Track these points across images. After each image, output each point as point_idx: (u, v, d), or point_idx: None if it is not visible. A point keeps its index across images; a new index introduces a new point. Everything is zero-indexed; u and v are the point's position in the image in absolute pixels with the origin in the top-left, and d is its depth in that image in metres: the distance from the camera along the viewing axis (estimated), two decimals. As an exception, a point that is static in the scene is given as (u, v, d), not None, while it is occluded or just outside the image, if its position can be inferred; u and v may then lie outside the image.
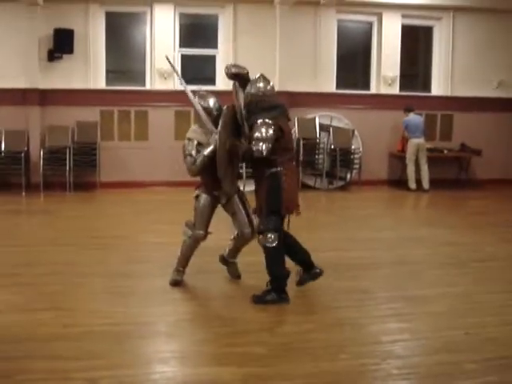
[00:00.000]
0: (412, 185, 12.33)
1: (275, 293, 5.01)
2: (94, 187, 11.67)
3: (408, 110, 12.42)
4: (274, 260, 5.05)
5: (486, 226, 8.93)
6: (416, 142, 12.28)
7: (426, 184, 12.29)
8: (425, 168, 12.32)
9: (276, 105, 5.25)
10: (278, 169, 5.05)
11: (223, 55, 12.46)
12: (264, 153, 4.94)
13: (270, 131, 4.97)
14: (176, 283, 5.59)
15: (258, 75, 5.31)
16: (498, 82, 13.47)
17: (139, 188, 11.74)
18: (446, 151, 12.92)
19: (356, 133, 12.68)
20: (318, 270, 5.31)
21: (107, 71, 12.17)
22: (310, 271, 5.31)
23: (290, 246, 5.22)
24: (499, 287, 5.77)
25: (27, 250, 6.92)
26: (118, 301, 5.16)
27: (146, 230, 8.13)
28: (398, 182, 12.92)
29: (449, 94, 13.37)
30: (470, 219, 9.64)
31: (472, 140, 13.20)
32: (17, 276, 5.82)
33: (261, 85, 5.22)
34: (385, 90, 13.09)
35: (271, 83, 5.30)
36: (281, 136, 5.06)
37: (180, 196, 11.17)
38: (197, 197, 5.65)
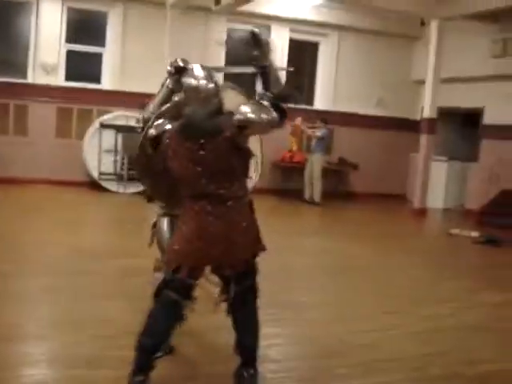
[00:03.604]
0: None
1: (133, 369, 3.47)
2: (-33, 182, 11.09)
3: (324, 121, 12.64)
4: (146, 323, 3.54)
5: (362, 236, 9.32)
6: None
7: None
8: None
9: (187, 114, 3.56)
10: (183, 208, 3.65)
11: (111, 54, 12.25)
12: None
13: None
14: None
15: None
16: (377, 99, 14.10)
17: (17, 185, 11.26)
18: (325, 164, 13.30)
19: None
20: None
21: (-14, 61, 11.62)
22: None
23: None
24: (372, 295, 6.04)
25: None
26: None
27: (25, 229, 7.82)
28: (278, 192, 13.14)
29: (331, 108, 13.82)
30: (349, 229, 10.01)
31: (350, 154, 13.72)
32: None
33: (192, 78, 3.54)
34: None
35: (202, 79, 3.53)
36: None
37: (60, 194, 10.92)
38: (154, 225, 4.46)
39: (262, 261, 3.68)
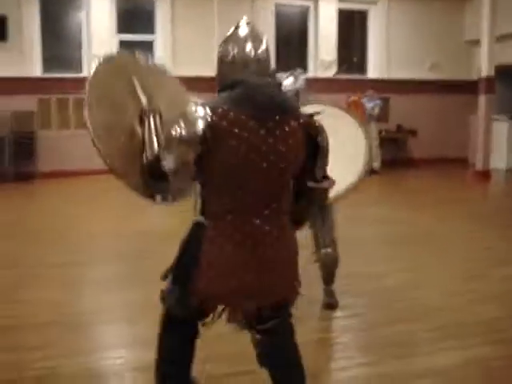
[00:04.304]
0: None
1: None
2: (34, 177, 11.44)
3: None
4: (159, 353, 2.85)
5: (424, 203, 9.24)
6: None
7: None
8: None
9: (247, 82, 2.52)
10: (205, 221, 2.58)
11: (161, 40, 12.38)
12: (148, 158, 2.62)
13: (190, 130, 2.42)
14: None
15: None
16: (430, 64, 13.87)
17: (79, 176, 11.55)
18: (383, 132, 13.22)
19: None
20: None
21: (43, 58, 11.89)
22: None
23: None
24: (441, 261, 6.03)
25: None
26: (71, 290, 5.12)
27: (91, 219, 8.05)
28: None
29: (385, 76, 13.67)
30: (409, 197, 9.93)
31: (408, 121, 13.57)
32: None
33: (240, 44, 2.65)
34: (322, 73, 13.26)
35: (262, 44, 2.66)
36: (210, 152, 2.44)
37: (120, 183, 11.13)
38: None
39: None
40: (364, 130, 4.38)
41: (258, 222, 2.52)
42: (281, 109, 2.52)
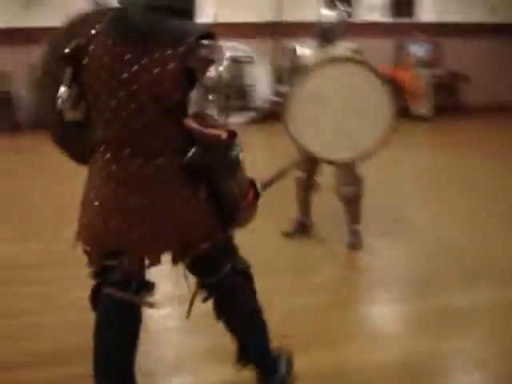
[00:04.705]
0: None
1: None
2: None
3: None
4: (94, 351, 2.42)
5: (474, 151, 9.00)
6: None
7: None
8: None
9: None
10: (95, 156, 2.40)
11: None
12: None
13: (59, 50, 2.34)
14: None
15: None
16: (491, 6, 13.27)
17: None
18: (435, 78, 12.83)
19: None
20: None
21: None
22: None
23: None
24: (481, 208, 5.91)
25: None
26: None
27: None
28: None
29: (435, 19, 13.14)
30: (459, 145, 9.69)
31: (461, 66, 13.12)
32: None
33: None
34: (368, 16, 12.71)
35: None
36: (79, 77, 2.33)
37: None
38: None
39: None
40: (388, 92, 4.02)
41: (122, 161, 2.28)
42: (153, 33, 2.20)
